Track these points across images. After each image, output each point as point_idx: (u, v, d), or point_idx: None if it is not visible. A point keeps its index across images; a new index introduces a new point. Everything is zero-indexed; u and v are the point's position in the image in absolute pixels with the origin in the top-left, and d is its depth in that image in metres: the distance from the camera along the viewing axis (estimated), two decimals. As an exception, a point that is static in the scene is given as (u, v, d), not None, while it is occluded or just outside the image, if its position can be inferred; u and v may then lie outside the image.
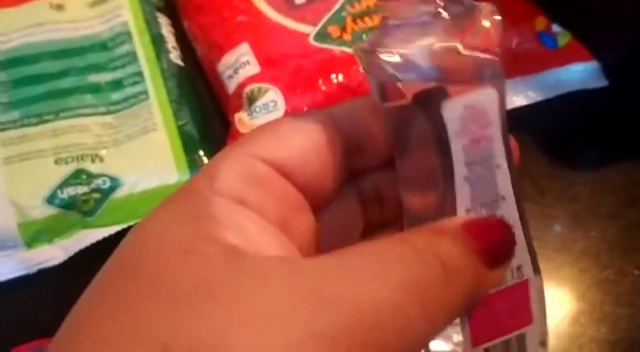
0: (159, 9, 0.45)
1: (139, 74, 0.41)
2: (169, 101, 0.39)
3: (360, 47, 0.19)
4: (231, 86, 0.38)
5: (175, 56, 0.42)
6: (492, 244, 0.18)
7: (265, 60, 0.38)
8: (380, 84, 0.19)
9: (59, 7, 0.44)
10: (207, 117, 0.40)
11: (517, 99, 0.39)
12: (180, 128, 0.38)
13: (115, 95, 0.40)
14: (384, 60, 0.18)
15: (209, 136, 0.39)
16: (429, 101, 0.19)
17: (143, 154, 0.37)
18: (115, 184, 0.36)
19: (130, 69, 0.41)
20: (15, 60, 0.41)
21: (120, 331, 0.15)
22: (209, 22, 0.42)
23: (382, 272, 0.16)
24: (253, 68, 0.38)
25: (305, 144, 0.19)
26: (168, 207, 0.18)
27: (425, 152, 0.19)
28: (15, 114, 0.39)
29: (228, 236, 0.16)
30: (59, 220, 0.35)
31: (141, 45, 0.42)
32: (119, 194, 0.36)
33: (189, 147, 0.37)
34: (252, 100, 0.36)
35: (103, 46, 0.42)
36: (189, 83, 0.41)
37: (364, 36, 0.39)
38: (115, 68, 0.41)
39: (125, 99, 0.40)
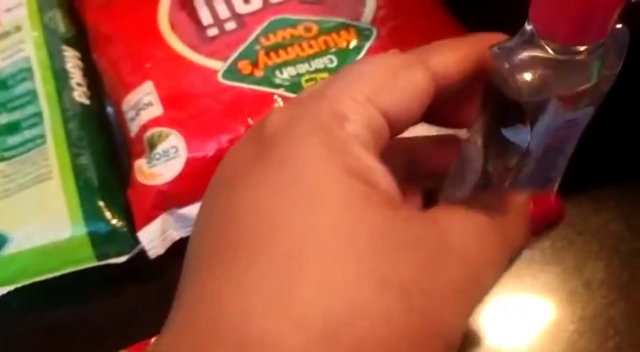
0: (66, 41, 0.42)
1: (38, 114, 0.38)
2: (68, 145, 0.36)
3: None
4: (133, 129, 0.35)
5: (79, 94, 0.39)
6: (546, 220, 0.22)
7: (168, 101, 0.35)
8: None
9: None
10: (112, 162, 0.37)
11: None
12: (77, 175, 0.35)
13: (11, 140, 0.37)
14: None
15: (112, 183, 0.35)
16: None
17: (35, 206, 0.34)
18: (3, 240, 0.33)
19: (29, 110, 0.38)
20: None
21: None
22: (117, 55, 0.39)
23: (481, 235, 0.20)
24: (156, 109, 0.35)
25: (410, 96, 0.20)
26: (304, 143, 0.19)
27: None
28: None
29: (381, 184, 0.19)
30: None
31: (42, 83, 0.39)
32: (8, 251, 0.33)
33: (86, 196, 0.34)
34: (152, 145, 0.34)
35: (3, 85, 0.39)
36: (93, 123, 0.38)
37: (277, 72, 0.36)
38: (13, 109, 0.38)
39: (22, 144, 0.37)
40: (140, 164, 0.33)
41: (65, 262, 0.33)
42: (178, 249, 0.34)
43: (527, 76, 0.23)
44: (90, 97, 0.39)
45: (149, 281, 0.34)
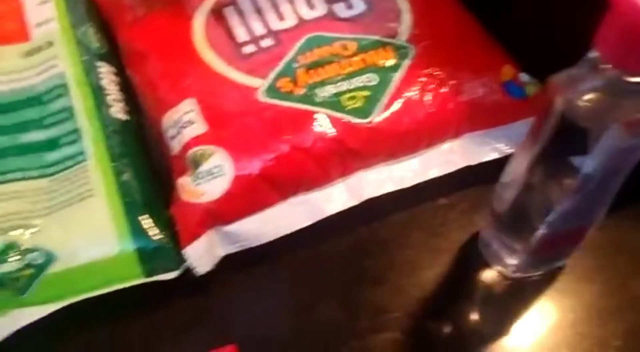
0: (100, 57, 0.42)
1: (76, 131, 0.38)
2: (110, 161, 0.36)
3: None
4: (175, 147, 0.35)
5: (117, 110, 0.39)
6: None
7: (211, 119, 0.35)
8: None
9: (-8, 59, 0.40)
10: (154, 177, 0.37)
11: (485, 152, 0.37)
12: (122, 192, 0.35)
13: (50, 157, 0.37)
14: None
15: (156, 200, 0.36)
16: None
17: (80, 223, 0.34)
18: (49, 259, 0.33)
19: (67, 126, 0.38)
20: None
21: None
22: (153, 72, 0.39)
23: None
24: (198, 127, 0.35)
25: None
26: None
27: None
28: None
29: None
30: (-11, 299, 0.32)
31: (79, 99, 0.39)
32: (55, 269, 0.33)
33: (132, 213, 0.34)
34: (196, 164, 0.34)
35: (37, 101, 0.39)
36: (132, 140, 0.38)
37: (318, 90, 0.36)
38: (50, 125, 0.38)
39: (62, 161, 0.37)
40: (184, 182, 0.34)
41: (113, 279, 0.34)
42: (222, 265, 0.34)
43: (591, 103, 0.24)
44: (128, 113, 0.40)
45: (195, 296, 0.34)
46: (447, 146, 0.37)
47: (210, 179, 0.33)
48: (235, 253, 0.34)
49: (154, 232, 0.34)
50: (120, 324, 0.34)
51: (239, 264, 0.35)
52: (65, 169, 0.36)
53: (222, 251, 0.34)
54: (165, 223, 0.35)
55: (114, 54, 0.43)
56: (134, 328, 0.34)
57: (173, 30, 0.41)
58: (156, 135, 0.38)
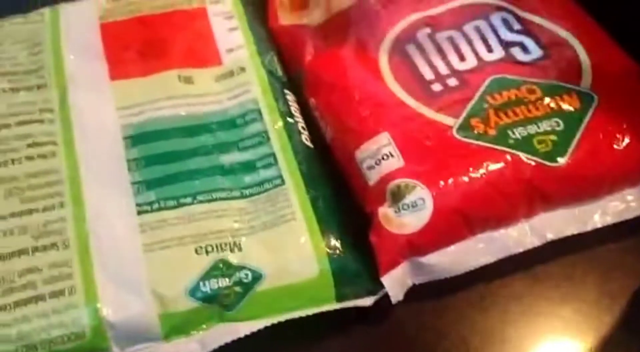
0: (285, 85, 0.44)
1: (272, 156, 0.40)
2: (304, 187, 0.38)
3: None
4: (372, 178, 0.37)
5: (305, 137, 0.41)
6: None
7: (408, 154, 0.37)
8: None
9: (187, 80, 0.43)
10: (340, 204, 0.39)
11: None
12: (318, 217, 0.37)
13: (248, 178, 0.39)
14: None
15: (347, 225, 0.38)
16: None
17: (283, 244, 0.36)
18: (257, 277, 0.35)
19: (261, 151, 0.40)
20: (146, 136, 0.41)
21: None
22: (341, 103, 0.41)
23: None
24: (396, 161, 0.37)
25: None
26: None
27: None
28: (151, 195, 0.38)
29: None
30: (199, 313, 0.35)
31: (272, 125, 0.41)
32: (261, 287, 0.35)
33: (328, 237, 0.36)
34: (398, 196, 0.36)
35: (232, 124, 0.42)
36: (320, 167, 0.40)
37: (509, 132, 0.38)
38: (245, 148, 0.41)
39: (259, 183, 0.39)
40: (386, 212, 0.36)
41: (309, 302, 0.36)
42: (407, 293, 0.36)
43: None
44: (312, 142, 0.42)
45: (380, 321, 0.36)
46: (626, 193, 0.38)
47: (413, 211, 0.35)
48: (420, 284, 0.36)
49: (352, 259, 0.36)
50: (305, 346, 0.36)
51: (424, 292, 0.36)
52: (264, 191, 0.38)
53: (410, 281, 0.36)
54: (360, 250, 0.37)
55: (293, 83, 0.45)
56: (318, 349, 0.36)
57: (360, 63, 0.43)
58: (346, 165, 0.40)
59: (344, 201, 0.39)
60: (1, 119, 0.40)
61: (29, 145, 0.39)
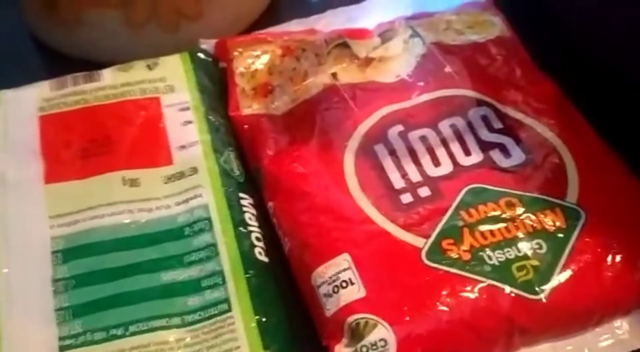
0: (241, 187, 0.40)
1: (220, 274, 0.36)
2: (254, 313, 0.34)
3: None
4: (330, 308, 0.33)
5: (259, 251, 0.37)
6: None
7: (370, 281, 0.33)
8: None
9: (133, 182, 0.39)
10: (295, 331, 0.34)
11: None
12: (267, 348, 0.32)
13: (191, 301, 0.35)
14: None
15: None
16: None
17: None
18: None
19: (209, 266, 0.36)
20: (79, 250, 0.36)
21: None
22: (300, 212, 0.37)
23: None
24: (356, 291, 0.33)
25: None
26: None
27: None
28: (77, 325, 0.33)
29: None
30: None
31: (223, 236, 0.37)
32: None
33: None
34: (357, 335, 0.32)
35: (180, 234, 0.37)
36: (274, 287, 0.36)
37: (485, 256, 0.33)
38: (191, 263, 0.36)
39: (203, 308, 0.34)
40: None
41: None
42: None
43: None
44: (268, 255, 0.37)
45: None
46: (616, 326, 0.34)
47: (374, 354, 0.31)
48: None
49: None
50: None
51: None
52: (208, 318, 0.34)
53: None
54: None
55: (252, 184, 0.41)
56: None
57: (323, 165, 0.39)
58: (303, 285, 0.35)
59: (299, 325, 0.34)
60: None
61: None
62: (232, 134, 0.43)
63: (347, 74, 0.44)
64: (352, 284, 0.33)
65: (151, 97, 0.43)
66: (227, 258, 0.36)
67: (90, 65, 0.45)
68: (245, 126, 0.43)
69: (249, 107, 0.44)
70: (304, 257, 0.36)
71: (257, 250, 0.37)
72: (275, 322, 0.34)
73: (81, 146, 0.40)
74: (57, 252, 0.36)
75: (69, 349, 0.33)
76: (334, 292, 0.33)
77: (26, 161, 0.39)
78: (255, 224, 0.38)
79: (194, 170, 0.40)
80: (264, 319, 0.34)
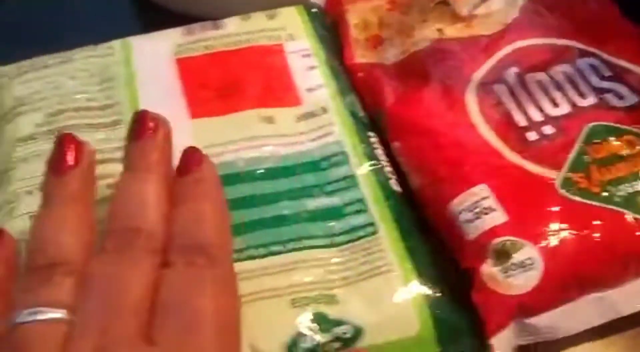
0: (367, 126, 0.42)
1: (361, 201, 0.38)
2: (398, 236, 0.37)
3: None
4: (471, 232, 0.36)
5: (394, 182, 0.40)
6: None
7: (511, 208, 0.35)
8: None
9: (269, 119, 0.42)
10: (435, 256, 0.37)
11: None
12: (416, 269, 0.36)
13: (337, 225, 0.37)
14: None
15: (442, 279, 0.36)
16: None
17: (381, 298, 0.34)
18: (357, 333, 0.33)
19: (349, 196, 0.39)
20: (228, 178, 0.38)
21: None
22: (429, 149, 0.40)
23: None
24: (499, 216, 0.35)
25: None
26: None
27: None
28: (240, 242, 0.36)
29: None
30: (296, 371, 0.33)
31: (359, 169, 0.40)
32: (360, 344, 0.33)
33: (427, 292, 0.35)
34: (504, 255, 0.34)
35: (316, 166, 0.40)
36: (411, 215, 0.39)
37: (613, 189, 0.36)
38: (332, 193, 0.39)
39: (349, 231, 0.37)
40: (491, 272, 0.34)
41: (409, 360, 0.34)
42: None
43: None
44: (400, 186, 0.40)
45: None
46: None
47: (522, 272, 0.34)
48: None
49: (455, 316, 0.34)
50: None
51: None
52: (355, 239, 0.37)
53: (518, 342, 0.34)
54: (460, 306, 0.35)
55: (373, 125, 0.43)
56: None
57: (446, 105, 0.41)
58: (436, 215, 0.38)
59: (436, 251, 0.37)
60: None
61: (109, 186, 0.37)
62: (350, 80, 0.45)
63: (452, 29, 0.46)
64: (494, 210, 0.36)
65: (275, 44, 0.46)
66: (367, 187, 0.39)
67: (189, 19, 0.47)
68: (360, 74, 0.46)
69: (362, 57, 0.46)
70: (439, 190, 0.38)
71: (392, 181, 0.40)
72: (418, 244, 0.37)
73: (216, 87, 0.43)
74: (208, 179, 0.38)
75: (235, 261, 0.35)
76: (475, 218, 0.36)
77: (170, 99, 0.42)
78: (385, 159, 0.41)
79: (324, 110, 0.42)
80: (408, 241, 0.37)
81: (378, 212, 0.37)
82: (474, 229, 0.35)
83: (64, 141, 0.30)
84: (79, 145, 0.30)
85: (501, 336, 0.33)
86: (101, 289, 0.26)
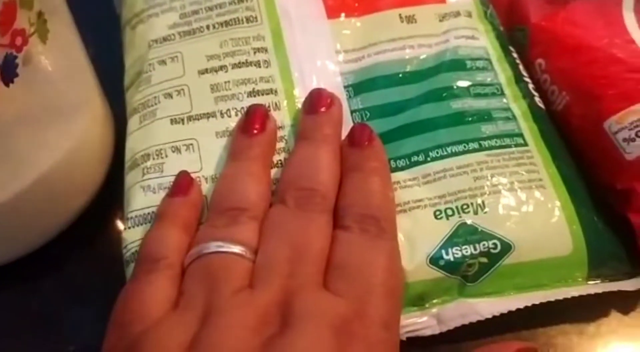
0: (506, 41, 0.40)
1: (508, 110, 0.36)
2: (550, 155, 0.35)
3: None
4: (632, 151, 0.33)
5: (538, 100, 0.37)
6: None
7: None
8: None
9: (410, 19, 0.39)
10: (584, 177, 0.35)
11: None
12: (568, 187, 0.33)
13: (485, 128, 0.35)
14: None
15: (594, 199, 0.34)
16: None
17: (533, 213, 0.32)
18: (506, 248, 0.31)
19: (496, 102, 0.36)
20: (369, 83, 0.36)
21: None
22: (583, 66, 0.37)
23: None
24: (664, 135, 0.32)
25: None
26: None
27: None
28: (380, 153, 0.34)
29: None
30: (438, 284, 0.31)
31: (504, 79, 0.37)
32: (509, 260, 0.31)
33: (581, 211, 0.33)
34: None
35: (462, 65, 0.37)
36: (557, 134, 0.36)
37: None
38: (477, 95, 0.36)
39: (498, 136, 0.34)
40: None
41: (557, 281, 0.32)
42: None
43: None
44: (542, 103, 0.37)
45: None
46: None
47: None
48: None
49: (606, 238, 0.32)
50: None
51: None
52: (506, 146, 0.34)
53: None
54: (612, 227, 0.33)
55: (511, 42, 0.40)
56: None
57: (600, 20, 0.38)
58: (587, 134, 0.36)
59: (585, 173, 0.35)
60: (216, 60, 0.36)
61: (250, 94, 0.36)
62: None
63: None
64: (659, 129, 0.33)
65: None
66: (512, 99, 0.36)
67: None
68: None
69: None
70: (592, 109, 0.36)
71: (536, 99, 0.37)
72: (567, 163, 0.35)
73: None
74: (348, 86, 0.36)
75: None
76: (637, 136, 0.33)
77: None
78: (527, 75, 0.38)
79: (468, 13, 0.39)
80: (558, 159, 0.34)
81: (526, 126, 0.35)
82: (635, 148, 0.33)
83: (255, 112, 0.34)
84: (266, 116, 0.34)
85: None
86: (286, 236, 0.28)
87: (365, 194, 0.30)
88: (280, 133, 0.34)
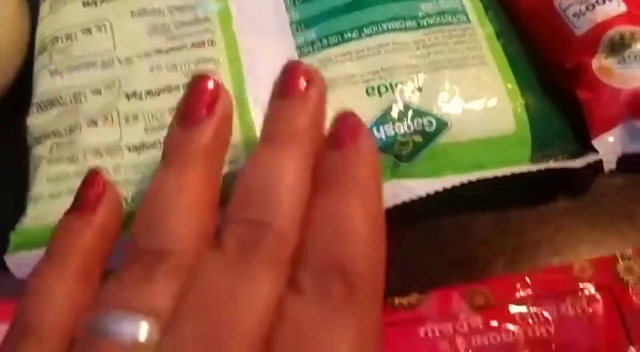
0: None
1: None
2: (494, 31, 0.32)
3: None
4: (581, 26, 0.31)
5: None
6: None
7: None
8: None
9: None
10: (530, 55, 0.33)
11: None
12: (513, 66, 0.31)
13: (425, 6, 0.32)
14: None
15: (539, 78, 0.32)
16: None
17: (472, 90, 0.30)
18: (441, 126, 0.29)
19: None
20: None
21: None
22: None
23: None
24: (615, 6, 0.30)
25: None
26: None
27: None
28: (311, 34, 0.32)
29: None
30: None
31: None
32: (445, 139, 0.29)
33: (524, 89, 0.30)
34: (621, 46, 0.29)
35: None
36: (504, 12, 0.34)
37: None
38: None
39: (438, 13, 0.32)
40: (604, 63, 0.29)
41: (499, 162, 0.29)
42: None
43: None
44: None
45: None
46: None
47: (640, 63, 0.28)
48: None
49: (552, 117, 0.30)
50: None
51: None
52: (446, 24, 0.32)
53: (625, 149, 0.29)
54: (557, 106, 0.31)
55: None
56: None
57: None
58: (538, 13, 0.33)
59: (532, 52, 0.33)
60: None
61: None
62: None
63: None
64: (610, 1, 0.30)
65: None
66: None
67: None
68: None
69: None
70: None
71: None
72: (511, 39, 0.32)
73: None
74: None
75: (307, 55, 0.31)
76: (587, 9, 0.31)
77: None
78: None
79: None
80: (502, 36, 0.32)
81: (470, 4, 0.33)
82: (585, 23, 0.31)
83: (198, 88, 0.23)
84: (215, 93, 0.23)
85: (606, 137, 0.29)
86: (208, 312, 0.19)
87: (335, 229, 0.20)
88: (204, 25, 0.32)
